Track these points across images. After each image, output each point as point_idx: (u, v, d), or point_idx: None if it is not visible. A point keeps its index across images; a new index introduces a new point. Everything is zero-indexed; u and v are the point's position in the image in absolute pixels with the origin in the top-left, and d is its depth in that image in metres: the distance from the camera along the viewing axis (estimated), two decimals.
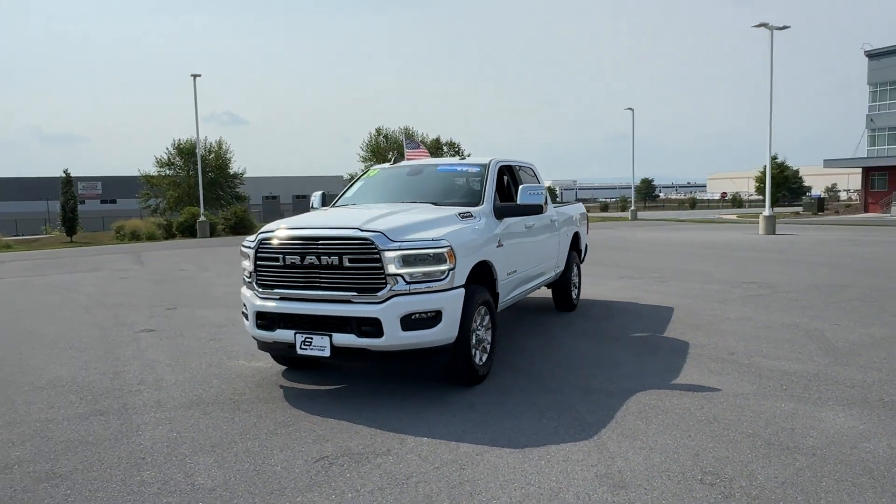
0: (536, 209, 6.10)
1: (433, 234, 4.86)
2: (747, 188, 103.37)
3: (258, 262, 5.12)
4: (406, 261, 4.68)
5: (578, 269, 9.10)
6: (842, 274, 12.42)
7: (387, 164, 7.18)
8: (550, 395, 5.10)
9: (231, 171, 44.00)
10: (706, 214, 56.24)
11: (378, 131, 46.67)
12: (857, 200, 62.16)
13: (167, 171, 42.42)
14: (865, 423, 4.35)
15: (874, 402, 4.78)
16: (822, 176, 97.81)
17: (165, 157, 42.43)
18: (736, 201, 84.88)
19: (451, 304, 4.85)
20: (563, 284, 8.41)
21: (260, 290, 5.12)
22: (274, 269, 5.04)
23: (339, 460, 3.91)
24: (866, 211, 54.18)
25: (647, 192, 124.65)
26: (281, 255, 4.97)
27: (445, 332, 4.83)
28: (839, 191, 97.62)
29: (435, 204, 5.89)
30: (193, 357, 6.58)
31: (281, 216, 60.74)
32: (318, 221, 5.17)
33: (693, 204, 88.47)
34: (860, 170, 55.66)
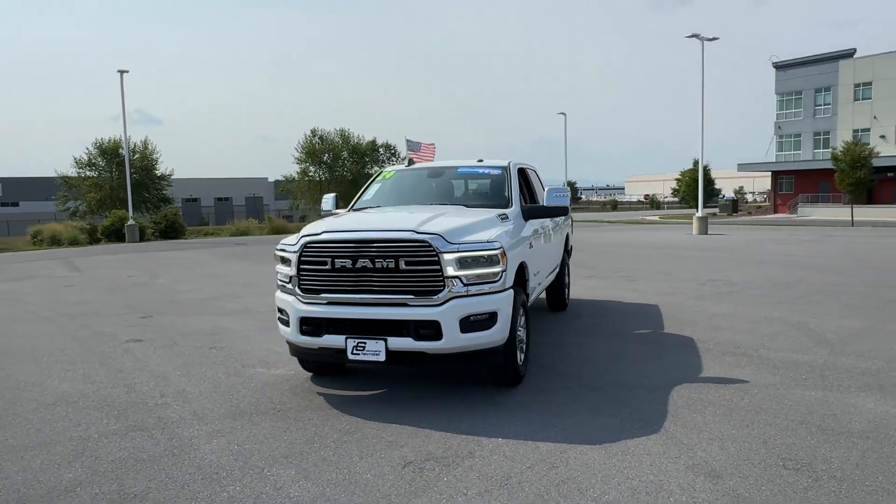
0: (563, 211, 6.24)
1: (486, 237, 4.89)
2: (662, 190, 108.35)
3: (302, 267, 4.97)
4: (463, 263, 4.69)
5: (568, 269, 9.33)
6: (790, 271, 13.29)
7: (401, 166, 7.12)
8: (594, 393, 5.22)
9: (158, 173, 41.98)
10: (631, 216, 58.60)
11: (313, 132, 45.72)
12: (767, 202, 66.48)
13: (88, 173, 39.98)
14: (883, 407, 4.72)
15: (891, 388, 5.18)
16: (731, 179, 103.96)
17: (86, 157, 39.97)
18: (654, 203, 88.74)
19: (505, 305, 4.90)
20: (558, 284, 8.60)
21: (303, 294, 4.98)
22: (321, 273, 4.91)
23: (426, 465, 3.87)
24: (775, 212, 58.11)
25: (571, 195, 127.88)
26: (329, 259, 4.85)
27: (500, 333, 4.87)
28: (745, 193, 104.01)
29: (466, 206, 5.90)
30: (204, 367, 6.30)
31: (203, 219, 58.74)
32: (370, 224, 5.08)
33: (614, 206, 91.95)
34: (769, 173, 59.69)
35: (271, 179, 77.21)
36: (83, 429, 4.64)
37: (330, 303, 4.91)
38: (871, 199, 47.04)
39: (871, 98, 52.02)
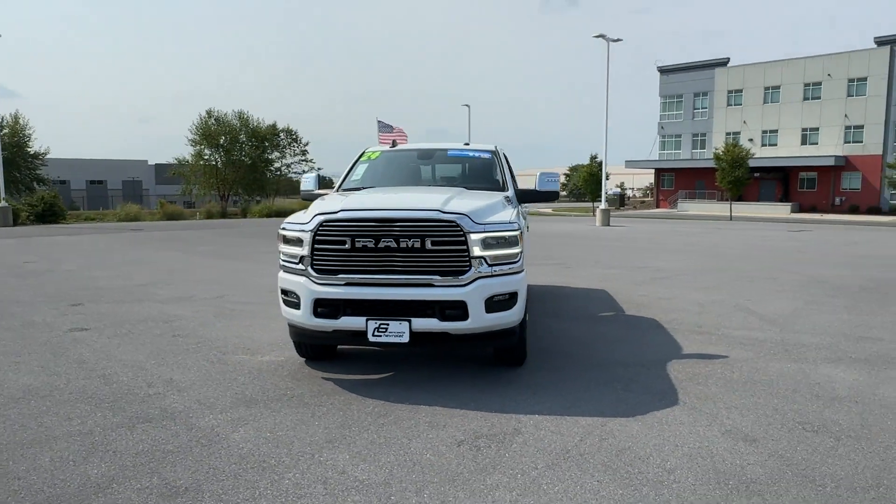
0: (554, 196, 6.38)
1: (507, 217, 4.93)
2: (534, 185, 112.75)
3: (317, 246, 4.76)
4: (488, 243, 4.70)
5: None
6: (702, 259, 14.37)
7: (385, 147, 6.96)
8: (598, 371, 5.42)
9: (31, 150, 38.14)
10: (525, 207, 60.53)
11: (209, 114, 43.33)
12: (649, 197, 71.16)
13: None
14: (862, 376, 5.29)
15: (848, 360, 5.79)
16: (616, 175, 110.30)
17: None
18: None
19: (523, 285, 4.97)
20: None
21: (317, 275, 4.77)
22: (338, 252, 4.73)
23: (480, 443, 3.87)
24: (658, 206, 62.42)
25: None
26: (349, 238, 4.69)
27: (518, 313, 4.93)
28: (626, 189, 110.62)
29: (466, 188, 5.89)
30: (178, 355, 5.88)
31: (73, 203, 53.92)
32: (390, 203, 4.94)
33: None
34: (653, 170, 63.93)
35: (152, 162, 72.43)
36: (78, 423, 4.20)
37: (348, 283, 4.74)
38: (740, 196, 51.65)
39: (741, 104, 56.92)
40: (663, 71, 61.72)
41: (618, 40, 28.34)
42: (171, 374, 5.28)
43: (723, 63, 58.34)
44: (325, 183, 7.22)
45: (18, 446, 3.82)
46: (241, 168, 43.84)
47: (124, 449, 3.79)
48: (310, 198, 6.67)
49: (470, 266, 4.66)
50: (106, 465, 3.57)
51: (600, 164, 49.16)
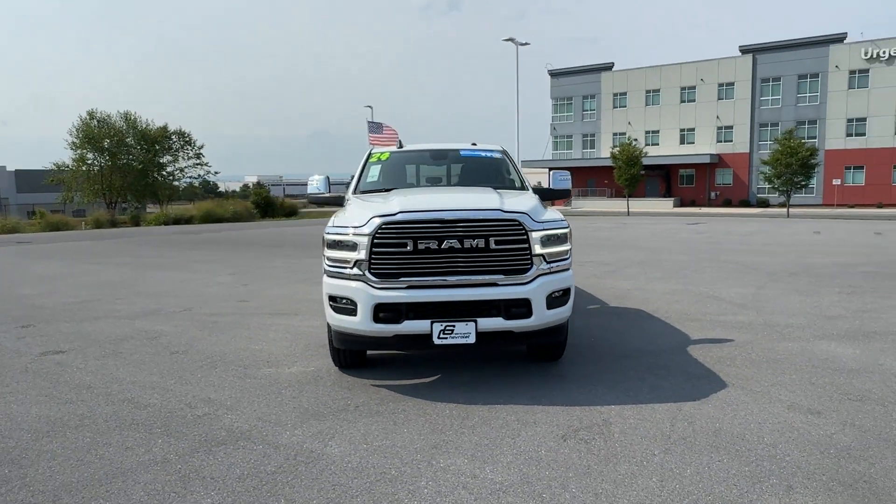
0: (566, 193, 6.55)
1: (557, 216, 5.03)
2: None
3: (376, 249, 4.63)
4: (544, 241, 4.79)
5: None
6: (634, 252, 15.23)
7: (393, 148, 6.81)
8: (629, 360, 5.66)
9: None
10: None
11: (91, 115, 40.02)
12: None
13: None
14: (857, 350, 5.89)
15: (833, 337, 6.42)
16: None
17: None
18: None
19: (573, 281, 5.10)
20: None
21: (377, 279, 4.64)
22: (400, 255, 4.62)
23: (581, 435, 3.96)
24: (553, 204, 65.14)
25: None
26: (411, 241, 4.60)
27: (570, 308, 5.06)
28: None
29: (494, 188, 5.92)
30: (195, 372, 5.48)
31: None
32: (452, 203, 4.87)
33: None
34: (547, 169, 66.58)
35: (11, 168, 66.02)
36: (143, 451, 3.84)
37: (410, 286, 4.65)
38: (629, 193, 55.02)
39: (626, 106, 60.60)
40: (554, 74, 64.40)
41: (525, 44, 29.34)
42: (205, 394, 4.92)
43: (608, 67, 61.79)
44: (332, 185, 6.91)
45: (98, 483, 3.44)
46: (129, 173, 40.92)
47: (220, 475, 3.51)
48: (319, 201, 6.45)
49: (532, 264, 4.73)
50: (215, 493, 3.31)
51: None
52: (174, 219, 35.19)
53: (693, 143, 57.40)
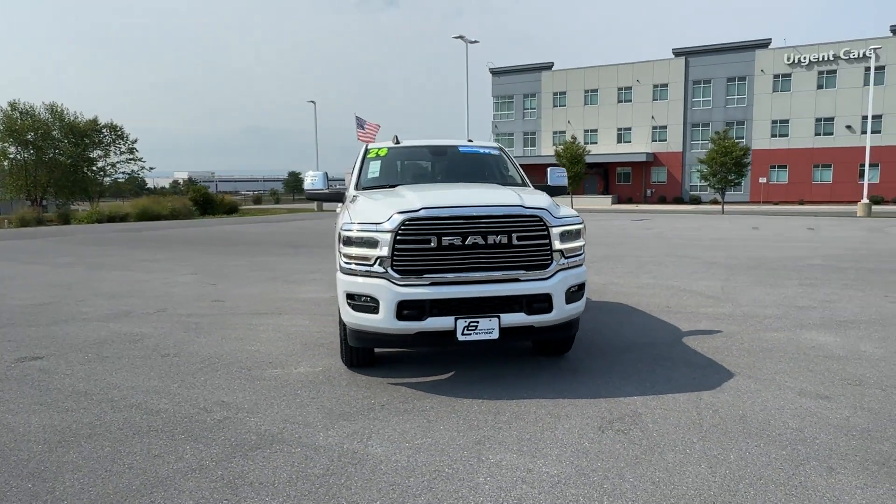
0: (563, 191, 6.65)
1: (572, 211, 5.11)
2: None
3: (399, 246, 4.58)
4: (563, 237, 4.86)
5: None
6: (595, 248, 15.59)
7: (390, 143, 6.70)
8: (630, 353, 5.81)
9: None
10: None
11: (13, 106, 37.59)
12: None
13: None
14: (837, 338, 6.25)
15: (811, 326, 6.79)
16: None
17: None
18: None
19: (586, 276, 5.19)
20: None
21: (399, 276, 4.59)
22: (423, 251, 4.59)
23: (617, 426, 4.04)
24: None
25: (295, 185, 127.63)
26: (435, 237, 4.57)
27: (584, 303, 5.15)
28: None
29: (500, 185, 5.94)
30: (198, 375, 5.28)
31: None
32: (473, 199, 4.85)
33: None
34: None
35: None
36: (174, 459, 3.67)
37: (433, 283, 4.62)
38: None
39: (566, 105, 61.92)
40: (495, 73, 65.05)
41: (475, 41, 29.54)
42: (216, 397, 4.75)
43: (548, 67, 62.93)
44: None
45: (138, 493, 3.27)
46: (57, 168, 38.76)
47: (267, 479, 3.40)
48: (318, 198, 6.31)
49: (552, 260, 4.78)
50: (269, 498, 3.20)
51: None
52: (108, 216, 33.56)
53: (630, 142, 59.25)
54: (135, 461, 3.65)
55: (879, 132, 47.87)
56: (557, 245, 4.79)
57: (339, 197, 6.19)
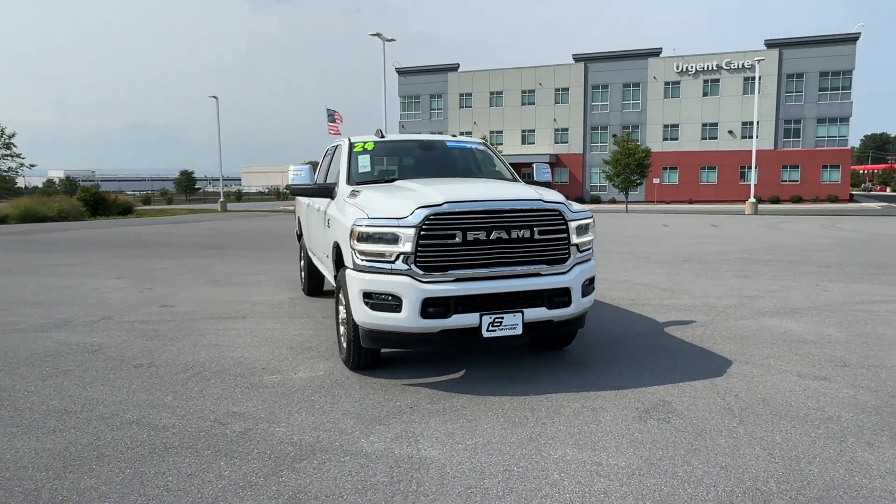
0: (548, 186, 6.68)
1: (581, 206, 5.15)
2: (282, 182, 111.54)
3: (423, 242, 4.42)
4: (578, 231, 4.90)
5: None
6: None
7: (374, 137, 6.43)
8: (624, 344, 5.96)
9: None
10: (275, 206, 58.78)
11: None
12: None
13: None
14: (799, 324, 6.71)
15: (771, 314, 7.25)
16: None
17: None
18: (279, 194, 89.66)
19: (596, 270, 5.25)
20: None
21: (423, 273, 4.44)
22: (448, 247, 4.46)
23: (654, 414, 4.12)
24: None
25: (188, 185, 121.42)
26: (460, 231, 4.46)
27: (594, 296, 5.21)
28: None
29: (496, 178, 5.89)
30: (189, 385, 4.85)
31: None
32: (493, 193, 4.75)
33: (239, 196, 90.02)
34: None
35: None
36: (213, 477, 3.34)
37: (457, 279, 4.51)
38: None
39: (472, 107, 62.87)
40: (401, 72, 64.94)
41: (392, 40, 29.31)
42: (224, 408, 4.38)
43: (454, 68, 63.64)
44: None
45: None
46: None
47: (330, 492, 3.18)
48: (302, 192, 6.01)
49: (569, 254, 4.80)
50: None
51: None
52: None
53: (534, 143, 61.06)
54: (169, 482, 3.29)
55: (757, 137, 52.18)
56: (574, 239, 4.82)
57: (325, 192, 5.91)
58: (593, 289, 5.12)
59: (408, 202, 4.54)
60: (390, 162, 6.37)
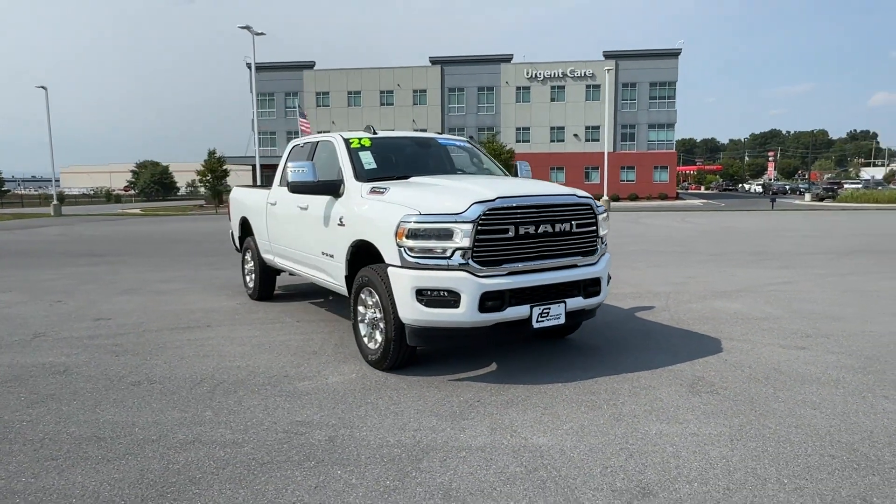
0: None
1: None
2: (110, 183, 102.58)
3: (480, 237, 4.48)
4: (602, 224, 5.22)
5: None
6: None
7: (367, 133, 6.20)
8: (609, 331, 6.40)
9: None
10: (111, 208, 53.74)
11: None
12: None
13: None
14: (735, 304, 7.60)
15: (707, 297, 8.12)
16: (186, 172, 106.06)
17: None
18: (109, 196, 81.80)
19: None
20: None
21: (480, 267, 4.50)
22: (503, 241, 4.56)
23: (698, 388, 4.52)
24: None
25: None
26: (512, 226, 4.58)
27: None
28: (198, 186, 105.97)
29: (493, 174, 6.01)
30: (219, 399, 4.49)
31: None
32: (540, 189, 4.89)
33: (62, 199, 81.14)
34: (250, 167, 64.08)
35: None
36: (342, 487, 3.20)
37: (510, 272, 4.62)
38: None
39: (329, 106, 61.81)
40: (256, 68, 62.09)
41: (261, 34, 28.01)
42: (284, 417, 4.13)
43: (310, 65, 62.19)
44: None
45: None
46: None
47: (476, 487, 3.18)
48: (307, 189, 5.75)
49: (597, 245, 5.10)
50: (509, 502, 3.01)
51: (219, 159, 47.55)
52: None
53: None
54: (300, 497, 3.09)
55: (598, 140, 56.81)
56: (601, 232, 5.12)
57: (329, 189, 5.69)
58: (610, 279, 5.46)
59: (461, 198, 4.56)
60: (398, 158, 6.27)
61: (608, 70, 43.87)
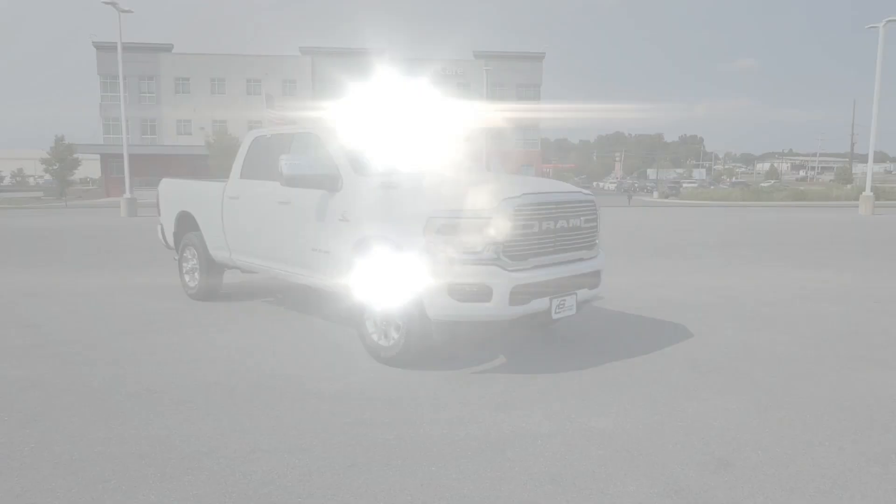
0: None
1: None
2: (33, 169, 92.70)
3: (512, 232, 4.59)
4: (599, 219, 5.54)
5: None
6: None
7: (349, 125, 5.96)
8: (588, 323, 6.77)
9: None
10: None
11: None
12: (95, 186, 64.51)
13: None
14: (677, 294, 8.32)
15: (648, 287, 8.80)
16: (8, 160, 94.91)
17: None
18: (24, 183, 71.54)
19: None
20: None
21: (510, 261, 4.62)
22: (529, 236, 4.71)
23: (701, 369, 4.97)
24: (108, 195, 57.62)
25: None
26: (537, 222, 4.74)
27: None
28: (28, 175, 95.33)
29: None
30: (245, 405, 4.25)
31: None
32: (556, 186, 5.10)
33: None
34: (99, 156, 58.42)
35: None
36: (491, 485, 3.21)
37: (535, 266, 4.78)
38: None
39: (190, 92, 58.03)
40: (101, 48, 56.79)
41: (129, 11, 25.63)
42: (331, 420, 3.99)
43: (167, 48, 58.00)
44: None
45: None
46: None
47: (591, 469, 3.32)
48: (303, 182, 5.52)
49: (597, 240, 5.42)
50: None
51: (69, 146, 43.19)
52: None
53: None
54: (415, 493, 3.04)
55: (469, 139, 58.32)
56: (599, 227, 5.44)
57: (325, 182, 5.49)
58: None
59: (490, 194, 4.64)
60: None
61: (487, 70, 45.26)
